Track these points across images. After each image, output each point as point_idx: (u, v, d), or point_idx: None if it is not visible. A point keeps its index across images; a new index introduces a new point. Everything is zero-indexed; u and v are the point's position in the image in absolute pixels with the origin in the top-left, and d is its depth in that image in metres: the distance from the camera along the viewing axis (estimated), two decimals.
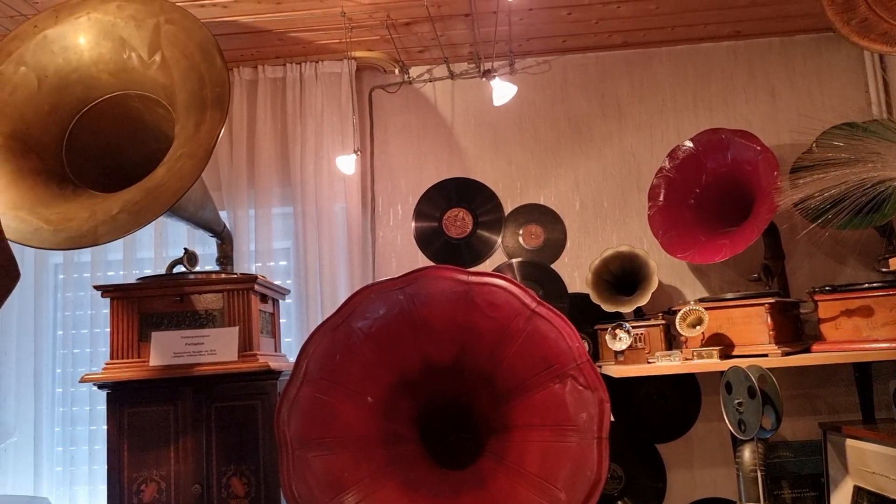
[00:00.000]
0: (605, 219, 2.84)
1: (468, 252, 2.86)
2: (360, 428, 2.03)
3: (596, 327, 2.60)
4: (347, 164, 2.58)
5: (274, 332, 2.49)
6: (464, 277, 2.06)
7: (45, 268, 2.93)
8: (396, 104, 2.93)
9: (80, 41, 2.02)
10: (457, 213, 2.88)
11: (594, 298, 2.55)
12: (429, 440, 2.18)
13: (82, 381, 2.12)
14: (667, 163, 2.66)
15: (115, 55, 2.00)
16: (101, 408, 2.86)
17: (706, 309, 2.23)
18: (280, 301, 2.59)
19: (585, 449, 1.91)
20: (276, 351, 2.50)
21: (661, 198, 2.63)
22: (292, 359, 2.50)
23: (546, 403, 1.99)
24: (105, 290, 2.18)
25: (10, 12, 2.31)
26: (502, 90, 2.55)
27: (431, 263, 2.76)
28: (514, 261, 2.81)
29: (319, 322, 2.68)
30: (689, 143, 2.62)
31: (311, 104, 2.77)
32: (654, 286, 2.46)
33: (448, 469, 2.16)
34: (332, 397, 2.02)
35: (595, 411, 1.93)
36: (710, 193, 2.58)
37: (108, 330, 2.88)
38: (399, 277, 2.06)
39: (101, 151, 2.14)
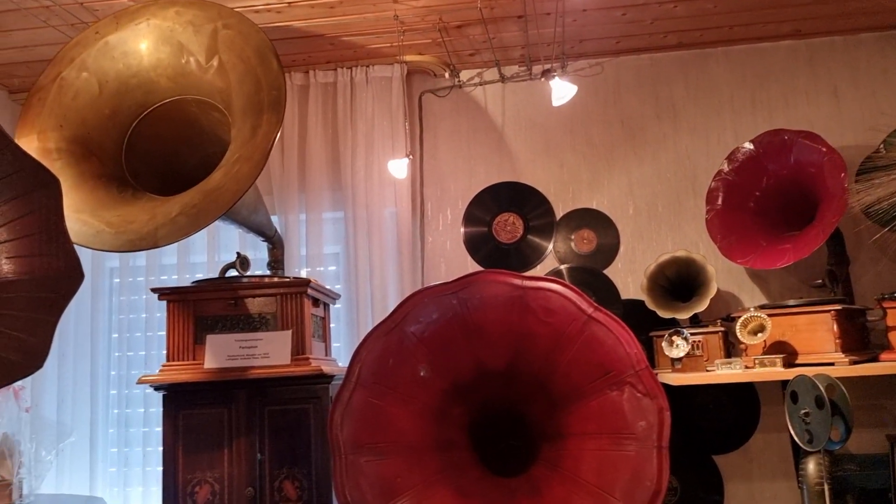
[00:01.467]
0: (659, 223, 2.78)
1: (517, 258, 2.83)
2: (412, 434, 2.01)
3: (651, 334, 2.54)
4: (399, 167, 2.57)
5: (325, 337, 2.49)
6: (518, 282, 2.02)
7: (101, 271, 2.99)
8: (446, 108, 2.92)
9: (139, 46, 2.05)
10: (507, 217, 2.85)
11: (649, 304, 2.49)
12: (479, 447, 2.15)
13: (139, 382, 2.14)
14: (725, 165, 2.59)
15: (174, 60, 2.03)
16: (154, 410, 2.91)
17: (768, 315, 2.16)
18: (330, 306, 2.59)
19: (644, 458, 1.86)
20: (326, 355, 2.50)
21: (720, 201, 2.56)
22: (342, 363, 2.50)
23: (603, 411, 1.94)
24: (161, 292, 2.20)
25: (72, 20, 2.36)
26: (562, 90, 2.51)
27: (481, 268, 2.73)
28: (562, 266, 2.77)
29: (369, 327, 2.68)
30: (749, 145, 2.55)
31: (362, 108, 2.78)
32: (712, 292, 2.39)
33: (500, 476, 2.12)
34: (385, 402, 2.00)
35: (654, 420, 1.88)
36: (770, 197, 2.51)
37: (162, 333, 2.93)
38: (452, 282, 2.03)
39: (158, 156, 2.17)
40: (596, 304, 1.97)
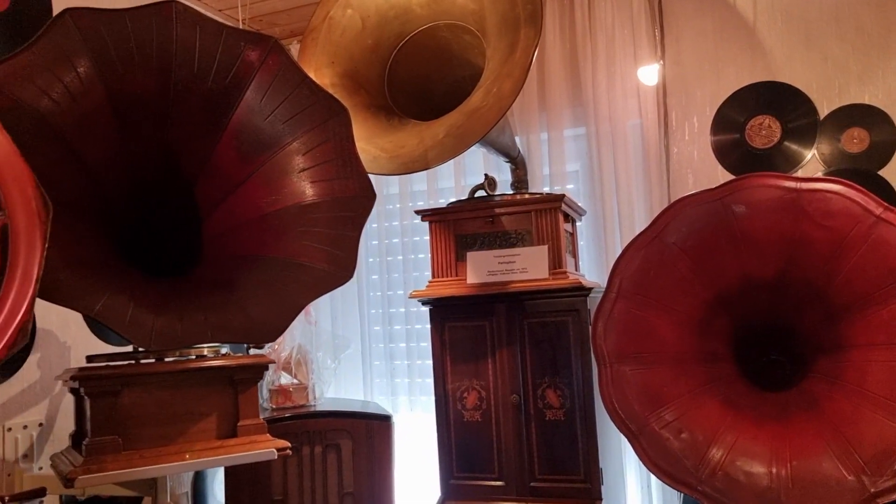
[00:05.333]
0: None
1: (768, 164, 2.63)
2: (675, 344, 2.00)
3: None
4: (650, 74, 2.48)
5: (574, 252, 2.52)
6: (792, 184, 1.89)
7: None
8: (689, 9, 2.74)
9: None
10: (762, 120, 2.65)
11: None
12: (742, 360, 2.09)
13: (411, 296, 2.32)
14: None
15: None
16: (411, 327, 3.15)
17: None
18: (577, 222, 2.61)
19: None
20: (576, 270, 2.53)
21: None
22: (591, 279, 2.52)
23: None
24: (424, 213, 2.35)
25: None
26: None
27: (733, 177, 2.59)
28: (821, 171, 2.54)
29: (616, 243, 2.68)
30: None
31: (601, 19, 2.70)
32: None
33: (766, 391, 2.05)
34: (647, 313, 2.00)
35: None
36: None
37: (414, 256, 3.15)
38: (717, 188, 1.95)
39: (414, 84, 2.27)
40: (887, 204, 1.80)
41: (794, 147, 2.62)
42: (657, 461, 1.85)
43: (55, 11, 2.27)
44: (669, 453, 1.86)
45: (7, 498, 1.63)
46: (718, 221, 1.96)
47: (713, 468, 1.81)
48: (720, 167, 2.70)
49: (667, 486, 1.84)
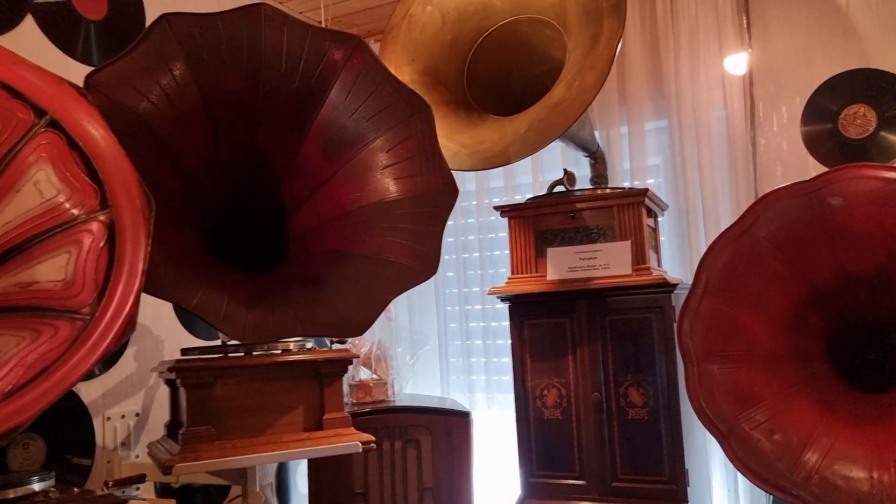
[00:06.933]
0: None
1: (862, 154, 2.50)
2: (765, 342, 1.92)
3: None
4: (737, 63, 2.41)
5: (657, 248, 2.46)
6: (893, 175, 1.80)
7: None
8: None
9: None
10: (856, 109, 2.53)
11: None
12: (836, 359, 2.00)
13: (490, 293, 2.32)
14: None
15: None
16: (487, 324, 3.14)
17: None
18: (658, 217, 2.55)
19: None
20: (658, 266, 2.48)
21: None
22: (674, 275, 2.46)
23: None
24: (503, 210, 2.34)
25: None
26: None
27: (825, 168, 2.48)
28: None
29: (700, 238, 2.60)
30: None
31: (684, 7, 2.62)
32: None
33: (863, 392, 1.96)
34: (735, 310, 1.94)
35: None
36: None
37: (489, 253, 3.14)
38: (811, 180, 1.87)
39: (493, 79, 2.27)
40: None
41: (891, 137, 2.49)
42: (748, 463, 1.78)
43: (148, 18, 2.37)
44: (761, 455, 1.80)
45: (111, 483, 1.72)
46: (813, 214, 1.88)
47: (809, 472, 1.73)
48: (811, 159, 2.59)
49: (755, 489, 1.78)
